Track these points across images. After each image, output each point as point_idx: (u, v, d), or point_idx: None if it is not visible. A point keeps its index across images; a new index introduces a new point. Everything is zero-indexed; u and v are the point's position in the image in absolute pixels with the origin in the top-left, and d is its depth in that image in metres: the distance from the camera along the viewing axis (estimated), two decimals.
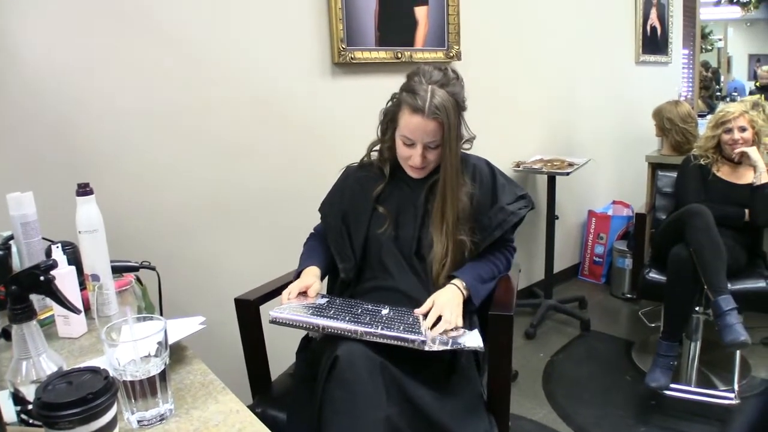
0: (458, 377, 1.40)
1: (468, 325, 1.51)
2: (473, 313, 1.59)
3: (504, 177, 1.67)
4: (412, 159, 1.53)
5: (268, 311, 1.38)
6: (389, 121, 1.60)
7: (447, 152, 1.50)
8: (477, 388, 1.46)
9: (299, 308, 1.41)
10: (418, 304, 1.44)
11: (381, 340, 1.27)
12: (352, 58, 2.49)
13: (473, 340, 1.34)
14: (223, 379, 1.06)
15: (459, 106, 1.52)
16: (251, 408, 1.22)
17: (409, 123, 1.49)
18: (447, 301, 1.44)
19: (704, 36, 7.12)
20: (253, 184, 2.30)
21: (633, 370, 2.86)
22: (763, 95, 4.36)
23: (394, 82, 1.59)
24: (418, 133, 1.49)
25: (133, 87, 1.96)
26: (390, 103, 1.60)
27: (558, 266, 3.74)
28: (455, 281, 1.52)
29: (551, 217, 3.37)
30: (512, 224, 1.61)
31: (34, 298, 0.89)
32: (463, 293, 1.50)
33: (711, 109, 5.88)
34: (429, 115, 1.45)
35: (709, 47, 7.91)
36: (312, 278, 1.55)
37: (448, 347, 1.29)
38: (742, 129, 2.68)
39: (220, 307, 1.78)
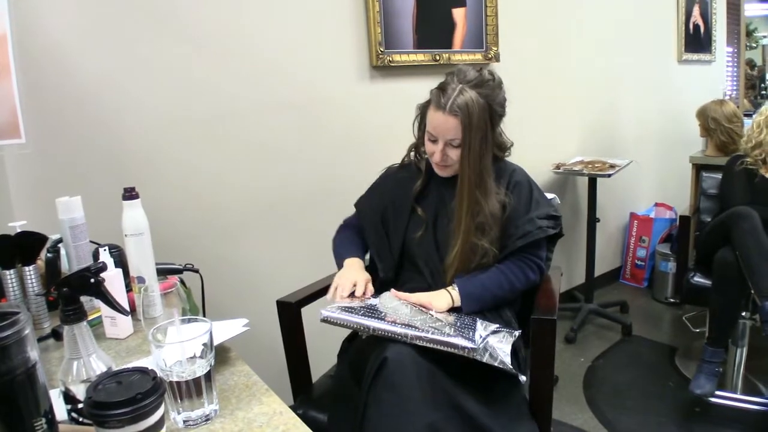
0: (504, 382, 1.39)
1: (506, 326, 1.49)
2: (511, 317, 1.57)
3: (540, 193, 1.64)
4: (434, 155, 1.54)
5: (320, 310, 1.38)
6: (421, 117, 1.62)
7: (466, 152, 1.49)
8: (522, 392, 1.44)
9: (350, 307, 1.41)
10: (455, 309, 1.46)
11: (430, 345, 1.26)
12: (390, 61, 2.49)
13: (507, 353, 1.31)
14: (265, 381, 1.07)
15: (491, 109, 1.50)
16: (292, 409, 1.23)
17: (432, 119, 1.51)
18: (428, 297, 1.47)
19: (749, 33, 6.93)
20: (293, 187, 2.32)
21: (676, 377, 2.80)
22: None
23: (432, 85, 1.59)
24: (439, 129, 1.50)
25: (175, 94, 2.00)
26: (424, 102, 1.62)
27: (599, 270, 3.69)
28: (450, 288, 1.51)
29: (592, 220, 3.32)
30: (536, 239, 1.55)
31: (82, 300, 0.90)
32: (453, 300, 1.49)
33: (757, 108, 5.72)
34: (449, 111, 1.46)
35: (754, 44, 7.69)
36: (362, 273, 1.56)
37: (496, 363, 1.28)
38: None
39: (262, 309, 1.79)
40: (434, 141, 1.53)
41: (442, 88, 1.50)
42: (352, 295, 1.49)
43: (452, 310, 1.48)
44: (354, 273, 1.56)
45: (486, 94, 1.48)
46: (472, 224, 1.52)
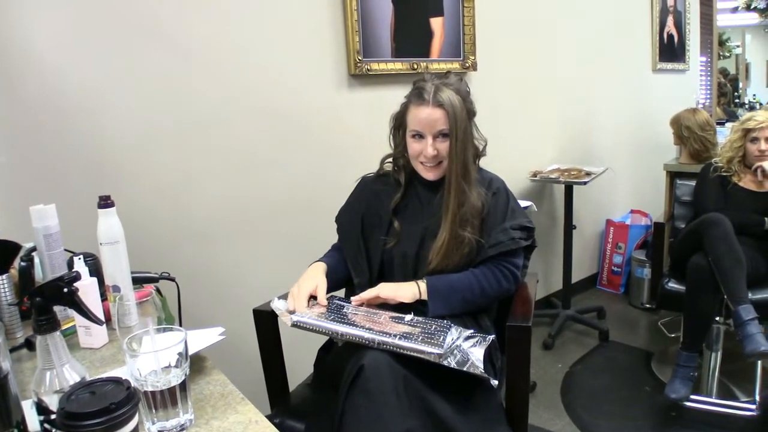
0: (479, 389, 1.39)
1: (482, 331, 1.50)
2: (490, 326, 1.58)
3: (516, 203, 1.66)
4: (424, 151, 1.54)
5: (290, 315, 1.39)
6: (398, 125, 1.64)
7: (454, 142, 1.51)
8: (497, 399, 1.45)
9: (321, 313, 1.41)
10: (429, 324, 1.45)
11: (397, 350, 1.27)
12: (368, 69, 2.51)
13: (479, 359, 1.31)
14: (241, 390, 1.07)
15: (467, 104, 1.55)
16: (269, 418, 1.22)
17: (416, 115, 1.53)
18: (392, 288, 1.49)
19: (722, 43, 7.06)
20: (271, 195, 2.32)
21: (653, 381, 2.83)
22: None
23: None
24: (425, 123, 1.52)
25: (152, 101, 1.99)
26: (398, 110, 1.64)
27: (576, 276, 3.72)
28: (420, 281, 1.52)
29: (569, 227, 3.35)
30: (508, 249, 1.56)
31: (56, 309, 0.90)
32: (420, 292, 1.50)
33: (729, 116, 5.82)
34: (434, 103, 1.50)
35: (727, 54, 7.84)
36: (313, 279, 1.55)
37: (464, 368, 1.28)
38: None
39: (239, 318, 1.79)
40: (421, 138, 1.55)
41: (419, 87, 1.55)
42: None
43: (420, 312, 1.48)
44: (306, 281, 1.55)
45: (458, 90, 1.54)
46: (458, 215, 1.53)
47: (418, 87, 1.55)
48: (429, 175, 1.60)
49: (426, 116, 1.51)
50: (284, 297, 1.50)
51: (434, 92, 1.50)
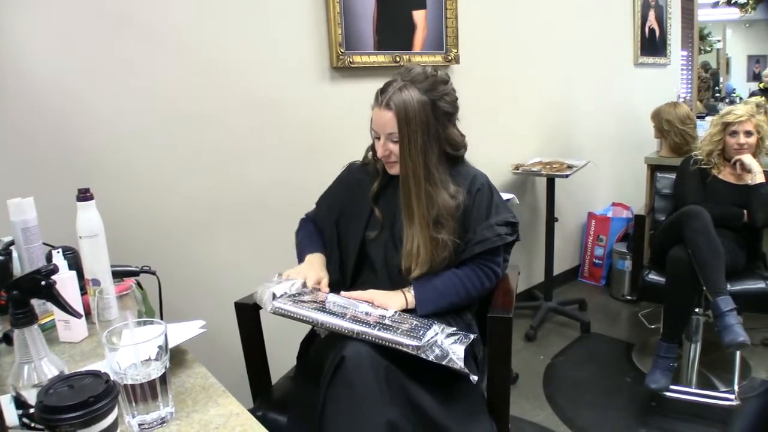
0: (461, 381, 1.39)
1: (466, 328, 1.51)
2: (472, 319, 1.59)
3: (500, 198, 1.65)
4: (378, 151, 1.56)
5: (271, 301, 1.38)
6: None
7: (405, 146, 1.49)
8: (479, 390, 1.46)
9: (301, 301, 1.41)
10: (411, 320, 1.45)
11: (376, 341, 1.27)
12: (350, 62, 2.50)
13: (460, 357, 1.30)
14: (223, 383, 1.07)
15: (435, 105, 1.51)
16: (252, 411, 1.22)
17: (373, 115, 1.55)
18: (383, 296, 1.48)
19: (703, 37, 7.12)
20: (253, 188, 2.31)
21: (633, 372, 2.87)
22: (765, 97, 4.37)
23: None
24: (377, 123, 1.54)
25: (133, 93, 1.97)
26: None
27: (558, 268, 3.75)
28: (406, 290, 1.51)
29: (551, 220, 3.37)
30: (494, 246, 1.56)
31: (35, 303, 0.89)
32: (407, 303, 1.49)
33: (709, 110, 5.88)
34: (384, 106, 1.49)
35: (708, 48, 7.91)
36: (317, 271, 1.57)
37: (443, 363, 1.28)
38: (748, 134, 2.66)
39: (221, 311, 1.78)
40: (378, 137, 1.56)
41: (385, 85, 1.54)
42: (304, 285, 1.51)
43: (407, 311, 1.48)
44: (308, 269, 1.57)
45: (426, 89, 1.50)
46: (429, 217, 1.52)
47: (386, 84, 1.53)
48: (391, 170, 1.60)
49: (377, 117, 1.52)
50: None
51: (391, 94, 1.48)
